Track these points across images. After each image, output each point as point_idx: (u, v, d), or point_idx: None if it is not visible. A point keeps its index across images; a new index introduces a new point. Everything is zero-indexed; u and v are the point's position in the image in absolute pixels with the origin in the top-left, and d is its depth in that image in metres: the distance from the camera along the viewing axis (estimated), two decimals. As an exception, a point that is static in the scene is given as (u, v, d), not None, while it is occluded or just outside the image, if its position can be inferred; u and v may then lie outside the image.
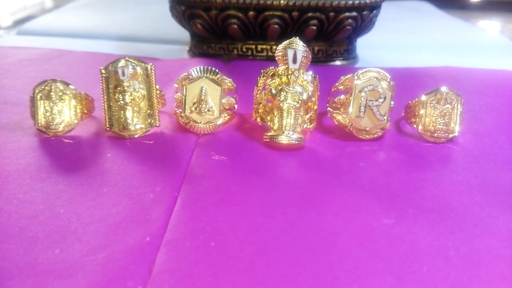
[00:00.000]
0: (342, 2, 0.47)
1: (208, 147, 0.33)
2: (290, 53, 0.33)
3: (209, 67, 0.34)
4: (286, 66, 0.33)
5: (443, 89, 0.35)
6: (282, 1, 0.47)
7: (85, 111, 0.36)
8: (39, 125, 0.34)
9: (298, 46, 0.33)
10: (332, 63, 0.53)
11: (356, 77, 0.35)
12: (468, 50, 0.63)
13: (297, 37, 0.34)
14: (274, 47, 0.52)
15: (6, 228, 0.24)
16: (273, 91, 0.34)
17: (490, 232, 0.25)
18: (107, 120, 0.34)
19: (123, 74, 0.33)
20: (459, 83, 0.48)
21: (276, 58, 0.34)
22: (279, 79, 0.34)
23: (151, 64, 0.35)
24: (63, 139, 0.34)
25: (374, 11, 0.50)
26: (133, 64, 0.34)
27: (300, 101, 0.33)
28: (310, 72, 0.34)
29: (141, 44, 0.61)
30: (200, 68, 0.34)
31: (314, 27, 0.48)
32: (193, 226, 0.24)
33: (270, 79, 0.34)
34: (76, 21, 0.70)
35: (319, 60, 0.52)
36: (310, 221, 0.25)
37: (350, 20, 0.48)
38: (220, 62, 0.52)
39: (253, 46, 0.52)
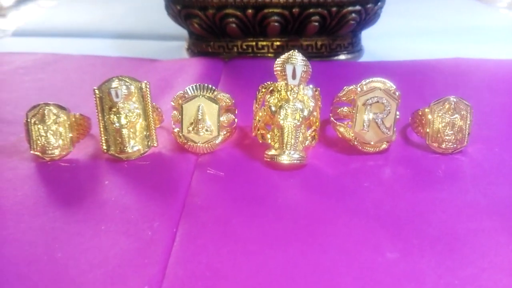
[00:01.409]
0: (345, -3, 0.45)
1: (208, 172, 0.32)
2: (289, 69, 0.31)
3: (205, 85, 0.33)
4: (285, 81, 0.32)
5: (452, 98, 0.33)
6: (281, -2, 0.45)
7: (81, 132, 0.35)
8: (35, 150, 0.33)
9: (297, 61, 0.31)
10: (336, 57, 0.51)
11: (359, 89, 0.34)
12: (480, 33, 0.60)
13: (296, 50, 0.32)
14: (275, 43, 0.50)
15: (7, 275, 0.24)
16: (273, 108, 0.32)
17: (498, 265, 0.24)
18: (103, 142, 0.33)
19: (117, 96, 0.32)
20: (469, 77, 0.46)
21: (275, 73, 0.33)
22: (278, 95, 0.33)
23: (145, 82, 0.33)
24: (60, 163, 0.33)
25: (379, 3, 0.48)
26: (127, 84, 0.33)
27: (301, 119, 0.32)
28: (311, 86, 0.33)
29: (138, 42, 0.59)
30: (196, 86, 0.33)
31: (316, 23, 0.46)
32: (192, 269, 0.24)
33: (269, 95, 0.33)
34: (71, 18, 0.68)
35: (322, 55, 0.50)
36: (313, 259, 0.24)
37: (353, 15, 0.46)
38: (220, 61, 0.50)
39: (253, 43, 0.50)
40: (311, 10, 0.45)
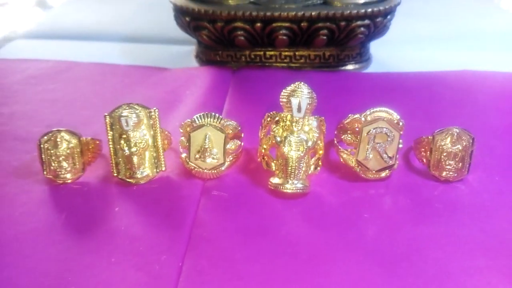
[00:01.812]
0: (354, 12, 0.45)
1: (214, 198, 0.33)
2: (295, 103, 0.32)
3: (212, 113, 0.34)
4: (290, 113, 0.32)
5: (455, 129, 0.34)
6: (290, 13, 0.45)
7: (93, 154, 0.36)
8: (48, 174, 0.34)
9: (302, 95, 0.32)
10: (343, 67, 0.51)
11: (363, 119, 0.34)
12: (496, 39, 0.59)
13: (302, 82, 0.33)
14: (283, 53, 0.50)
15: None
16: (278, 139, 0.33)
17: (489, 309, 0.25)
18: (114, 166, 0.34)
19: (127, 125, 0.33)
20: (475, 94, 0.46)
21: (280, 103, 0.33)
22: (283, 124, 0.33)
23: (154, 109, 0.34)
24: (72, 185, 0.35)
25: (389, 17, 0.48)
26: (136, 111, 0.34)
27: (305, 150, 0.32)
28: (316, 117, 0.33)
29: (146, 46, 0.59)
30: (203, 114, 0.34)
31: (324, 37, 0.46)
32: (197, 308, 0.25)
33: (274, 125, 0.34)
34: (80, 19, 0.68)
35: (330, 65, 0.51)
36: (311, 298, 0.26)
37: (362, 29, 0.46)
38: (228, 70, 0.51)
39: (262, 53, 0.50)
40: (319, 25, 0.45)
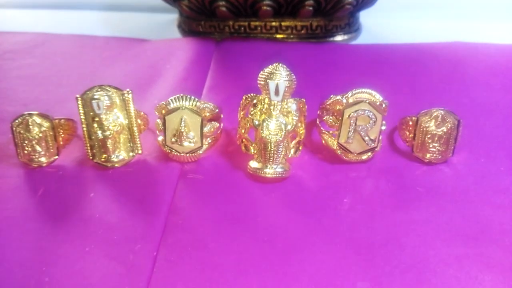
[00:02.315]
0: (341, -19, 0.42)
1: (191, 183, 0.32)
2: (272, 85, 0.30)
3: (188, 96, 0.32)
4: (268, 96, 0.31)
5: (440, 110, 0.33)
6: (274, -18, 0.42)
7: (68, 135, 0.35)
8: (22, 158, 0.33)
9: (280, 78, 0.30)
10: (332, 38, 0.49)
11: (345, 101, 0.33)
12: (493, 8, 0.56)
13: (280, 64, 0.31)
14: (269, 24, 0.48)
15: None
16: (256, 122, 0.32)
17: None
18: (89, 149, 0.33)
19: (99, 108, 0.32)
20: (465, 67, 0.44)
21: (258, 85, 0.32)
22: (261, 107, 0.32)
23: (127, 90, 0.33)
24: (47, 169, 0.34)
25: (378, -15, 0.45)
26: (108, 94, 0.32)
27: (283, 134, 0.31)
28: (295, 100, 0.32)
29: (128, 15, 0.57)
30: (178, 97, 0.32)
31: (310, 8, 0.44)
32: (169, 300, 0.25)
33: (252, 108, 0.32)
34: None
35: (317, 36, 0.48)
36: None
37: (350, -1, 0.44)
38: (211, 42, 0.49)
39: (246, 24, 0.48)
40: (305, -6, 0.43)
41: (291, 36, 0.48)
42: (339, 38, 0.49)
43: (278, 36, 0.48)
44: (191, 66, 0.45)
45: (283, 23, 0.48)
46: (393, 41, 0.50)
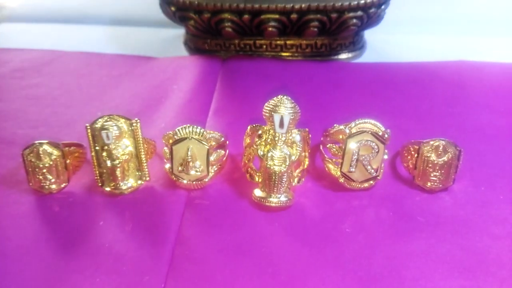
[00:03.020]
0: (346, 3, 0.43)
1: (197, 211, 0.33)
2: (277, 118, 0.31)
3: (195, 126, 0.33)
4: (273, 128, 0.32)
5: (442, 141, 0.33)
6: (279, 5, 0.43)
7: (78, 161, 0.36)
8: (33, 185, 0.34)
9: (285, 111, 0.31)
10: (336, 56, 0.49)
11: (348, 130, 0.34)
12: (495, 23, 0.56)
13: (285, 96, 0.32)
14: (274, 42, 0.48)
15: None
16: (261, 153, 0.33)
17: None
18: (98, 176, 0.34)
19: (108, 138, 0.33)
20: (468, 90, 0.44)
21: (263, 116, 0.32)
22: (266, 138, 0.33)
23: (136, 119, 0.34)
24: (58, 195, 0.35)
25: (383, 7, 0.45)
26: (117, 123, 0.33)
27: (287, 165, 0.32)
28: (299, 131, 0.33)
29: (133, 30, 0.57)
30: (185, 127, 0.33)
31: (315, 29, 0.45)
32: (176, 334, 0.26)
33: (257, 139, 0.33)
34: (62, 2, 0.65)
35: (322, 54, 0.49)
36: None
37: (355, 20, 0.44)
38: (217, 60, 0.49)
39: (251, 42, 0.49)
40: (310, 16, 0.44)
41: (296, 54, 0.49)
42: (343, 56, 0.50)
43: (283, 54, 0.49)
44: (197, 86, 0.45)
45: (288, 42, 0.48)
46: (398, 58, 0.50)
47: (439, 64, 0.48)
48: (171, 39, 0.55)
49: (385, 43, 0.53)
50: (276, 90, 0.34)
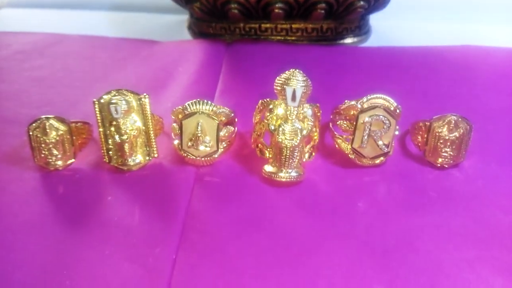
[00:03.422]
0: (353, -16, 0.43)
1: (207, 187, 0.33)
2: (289, 91, 0.31)
3: (205, 100, 0.33)
4: (285, 102, 0.32)
5: (453, 116, 0.33)
6: (286, -14, 0.43)
7: (84, 139, 0.36)
8: (39, 161, 0.34)
9: (297, 84, 0.31)
10: (341, 41, 0.49)
11: (359, 106, 0.33)
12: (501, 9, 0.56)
13: (297, 70, 0.31)
14: (279, 26, 0.48)
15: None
16: (272, 127, 0.32)
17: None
18: (105, 152, 0.34)
19: (117, 112, 0.32)
20: (475, 72, 0.45)
21: (275, 91, 0.32)
22: (277, 112, 0.32)
23: (144, 94, 0.33)
24: (64, 172, 0.34)
25: (389, -11, 0.45)
26: (126, 98, 0.33)
27: (299, 139, 0.32)
28: (310, 105, 0.33)
29: (137, 15, 0.57)
30: (195, 102, 0.33)
31: (322, 11, 0.44)
32: (190, 303, 0.26)
33: (268, 113, 0.33)
34: None
35: (327, 38, 0.49)
36: (303, 291, 0.26)
37: (362, 2, 0.44)
38: (222, 44, 0.49)
39: (256, 26, 0.48)
40: (317, -2, 0.43)
41: (301, 38, 0.49)
42: (349, 40, 0.49)
43: (289, 38, 0.49)
44: (202, 68, 0.45)
45: (293, 26, 0.48)
46: (402, 43, 0.50)
47: (445, 48, 0.48)
48: (174, 24, 0.55)
49: (390, 29, 0.53)
50: (281, 73, 0.34)
